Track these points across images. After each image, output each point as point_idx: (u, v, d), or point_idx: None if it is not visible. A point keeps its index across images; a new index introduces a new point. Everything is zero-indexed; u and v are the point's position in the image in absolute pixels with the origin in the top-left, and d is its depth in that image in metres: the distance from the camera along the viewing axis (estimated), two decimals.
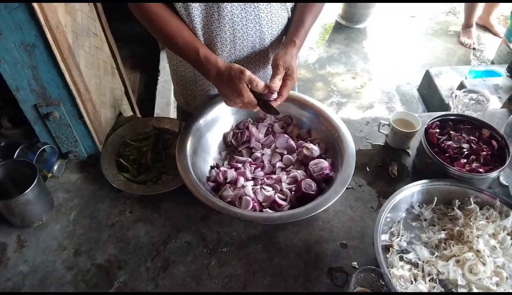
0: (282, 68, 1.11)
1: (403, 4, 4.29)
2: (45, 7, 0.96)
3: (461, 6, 4.21)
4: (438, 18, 4.22)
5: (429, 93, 3.10)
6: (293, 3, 1.28)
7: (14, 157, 1.17)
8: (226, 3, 1.13)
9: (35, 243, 1.13)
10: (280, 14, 1.23)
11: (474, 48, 3.79)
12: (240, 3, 1.15)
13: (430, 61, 3.64)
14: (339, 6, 3.97)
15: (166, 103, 2.88)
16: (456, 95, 1.44)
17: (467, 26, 3.84)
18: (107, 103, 1.38)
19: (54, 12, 0.99)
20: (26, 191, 1.07)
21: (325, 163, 1.18)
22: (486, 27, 4.00)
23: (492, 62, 3.38)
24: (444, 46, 3.84)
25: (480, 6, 3.75)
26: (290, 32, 1.23)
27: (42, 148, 1.18)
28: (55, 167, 1.25)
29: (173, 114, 2.84)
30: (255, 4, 1.16)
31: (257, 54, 1.29)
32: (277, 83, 1.10)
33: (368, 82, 3.42)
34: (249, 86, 1.09)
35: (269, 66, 1.35)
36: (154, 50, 3.40)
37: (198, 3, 1.12)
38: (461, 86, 2.61)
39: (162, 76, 3.13)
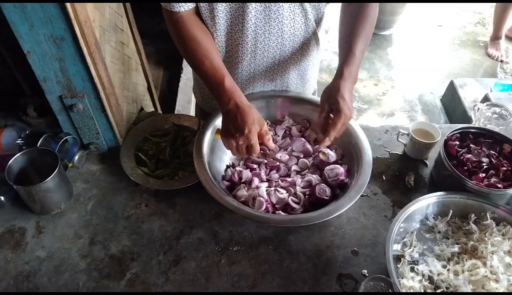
0: (326, 105, 1.08)
1: (431, 13, 4.23)
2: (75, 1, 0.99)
3: (490, 17, 4.13)
4: (466, 29, 4.14)
5: (452, 104, 3.05)
6: (320, 17, 1.26)
7: (38, 145, 1.21)
8: (251, 16, 1.14)
9: (52, 230, 1.16)
10: (303, 29, 1.23)
11: (501, 61, 3.71)
12: (265, 16, 1.15)
13: (455, 72, 3.58)
14: None
15: (187, 101, 2.91)
16: (478, 108, 1.42)
17: (495, 38, 3.75)
18: (130, 98, 1.42)
19: (83, 7, 1.02)
20: (47, 179, 1.10)
21: (340, 169, 1.18)
22: None
23: None
24: (471, 57, 3.77)
25: (510, 18, 3.66)
26: (341, 62, 1.14)
27: (64, 138, 1.21)
28: (76, 157, 1.28)
29: (193, 112, 2.87)
30: (279, 18, 1.17)
31: (277, 65, 1.30)
32: (332, 138, 1.09)
33: (390, 90, 3.39)
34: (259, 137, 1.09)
35: (288, 76, 1.35)
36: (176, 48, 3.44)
37: (224, 13, 1.14)
38: (486, 99, 2.56)
39: (184, 74, 3.16)
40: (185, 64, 3.28)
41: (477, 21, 4.25)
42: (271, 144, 1.13)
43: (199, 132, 1.23)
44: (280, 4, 1.14)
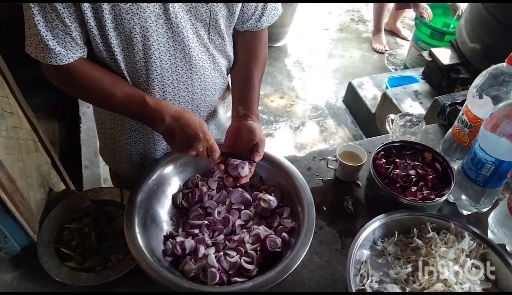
0: (263, 145, 1.12)
1: (316, 18, 4.46)
2: None
3: (368, 14, 4.48)
4: (350, 28, 4.44)
5: (354, 104, 3.24)
6: (228, 67, 1.25)
7: None
8: (156, 67, 1.06)
9: None
10: (215, 79, 1.20)
11: (386, 50, 4.03)
12: (171, 64, 1.08)
13: (349, 71, 3.82)
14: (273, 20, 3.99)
15: (94, 153, 2.68)
16: (392, 120, 1.50)
17: (377, 31, 4.09)
18: (35, 185, 1.24)
19: None
20: None
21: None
22: (394, 32, 4.28)
23: (405, 65, 3.63)
24: (360, 54, 4.05)
25: (386, 12, 4.01)
26: (245, 101, 1.18)
27: None
28: None
29: (102, 162, 2.66)
30: (188, 66, 1.10)
31: None
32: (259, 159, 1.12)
33: (296, 100, 3.49)
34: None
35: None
36: (70, 94, 3.16)
37: (124, 65, 1.04)
38: (385, 96, 2.75)
39: (84, 123, 2.91)
40: (83, 113, 3.02)
41: (358, 20, 4.58)
42: (216, 156, 1.09)
43: (126, 210, 1.11)
44: (187, 49, 1.07)
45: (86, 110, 3.01)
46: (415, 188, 1.24)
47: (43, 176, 1.34)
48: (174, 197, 1.25)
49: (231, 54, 1.23)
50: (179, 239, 1.13)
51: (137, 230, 1.07)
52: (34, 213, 1.17)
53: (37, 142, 1.37)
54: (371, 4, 3.98)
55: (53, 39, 0.93)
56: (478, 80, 1.23)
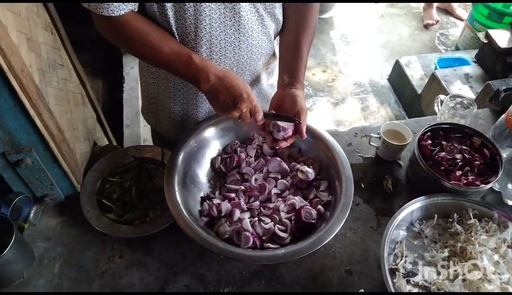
0: (304, 114, 1.10)
1: None
2: (7, 52, 0.85)
3: None
4: (401, 3, 4.24)
5: (400, 83, 3.12)
6: (275, 31, 1.22)
7: None
8: (205, 25, 1.05)
9: None
10: (262, 42, 1.18)
11: (437, 22, 3.83)
12: (220, 23, 1.07)
13: (397, 49, 3.67)
14: None
15: (135, 113, 2.74)
16: (441, 101, 1.43)
17: (428, 5, 3.89)
18: (81, 137, 1.28)
19: (17, 55, 0.88)
20: (4, 252, 0.96)
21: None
22: (448, 11, 4.06)
23: (457, 47, 3.45)
24: (409, 32, 3.88)
25: None
26: (291, 68, 1.16)
27: (15, 200, 1.07)
28: (31, 215, 1.14)
29: (143, 122, 2.71)
30: (236, 26, 1.09)
31: None
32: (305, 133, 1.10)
33: (339, 75, 3.41)
34: None
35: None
36: (116, 54, 3.22)
37: (174, 21, 1.04)
38: (433, 77, 2.63)
39: (127, 84, 2.97)
40: (126, 73, 3.08)
41: None
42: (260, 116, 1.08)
43: (167, 168, 1.13)
44: (237, 8, 1.06)
45: (130, 71, 3.07)
46: (460, 172, 1.19)
47: (88, 130, 1.38)
48: (213, 161, 1.26)
49: (280, 18, 1.20)
50: (215, 201, 1.15)
51: (176, 188, 1.09)
52: (79, 164, 1.21)
53: (84, 96, 1.41)
54: None
55: None
56: None
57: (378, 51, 3.65)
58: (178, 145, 1.19)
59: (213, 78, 1.02)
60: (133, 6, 0.99)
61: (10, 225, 1.01)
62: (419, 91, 2.80)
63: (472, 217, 1.11)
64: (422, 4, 4.00)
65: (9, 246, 0.97)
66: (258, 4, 1.10)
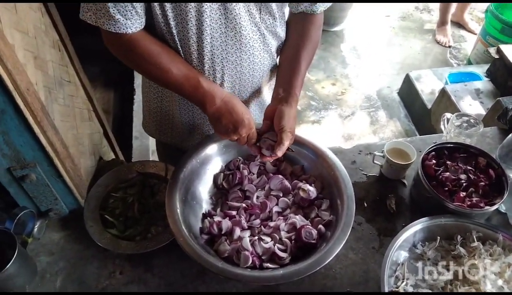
0: (290, 134, 1.08)
1: (377, 4, 4.28)
2: (13, 71, 0.87)
3: (435, 4, 4.24)
4: (413, 17, 4.23)
5: (410, 97, 3.10)
6: (277, 48, 1.24)
7: None
8: (206, 43, 1.07)
9: None
10: (263, 59, 1.19)
11: (449, 46, 3.81)
12: (222, 42, 1.09)
13: (408, 62, 3.65)
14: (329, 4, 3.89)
15: None
16: (448, 119, 1.42)
17: (442, 23, 3.85)
18: (86, 152, 1.30)
19: (23, 74, 0.91)
20: (6, 267, 0.98)
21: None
22: (460, 24, 4.03)
23: (469, 61, 3.41)
24: (421, 46, 3.86)
25: (454, 3, 3.76)
26: (288, 83, 1.14)
27: (20, 215, 1.08)
28: (35, 229, 1.16)
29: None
30: (238, 45, 1.11)
31: (236, 94, 1.25)
32: (283, 150, 1.09)
33: (348, 88, 3.40)
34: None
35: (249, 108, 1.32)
36: (127, 66, 3.26)
37: (177, 35, 1.06)
38: (443, 92, 2.61)
39: (137, 95, 3.00)
40: (137, 85, 3.12)
41: (423, 8, 4.35)
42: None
43: (169, 184, 1.14)
44: (238, 28, 1.07)
45: (140, 83, 3.10)
46: (464, 193, 1.18)
47: (94, 144, 1.40)
48: (216, 177, 1.27)
49: (282, 35, 1.21)
50: (216, 218, 1.15)
51: (177, 205, 1.10)
52: (83, 179, 1.23)
53: (91, 111, 1.44)
54: None
55: (115, 7, 0.94)
56: None
57: (388, 65, 3.64)
58: (181, 162, 1.20)
59: (218, 102, 1.07)
60: (140, 23, 1.01)
61: (14, 240, 1.03)
62: (429, 106, 2.77)
63: (475, 240, 1.09)
64: (435, 20, 3.97)
65: (11, 261, 0.99)
66: (260, 23, 1.11)
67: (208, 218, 1.17)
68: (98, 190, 1.26)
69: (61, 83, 1.18)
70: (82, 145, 1.27)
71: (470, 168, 1.23)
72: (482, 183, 1.19)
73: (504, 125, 1.51)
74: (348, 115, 3.18)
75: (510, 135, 1.31)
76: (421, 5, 4.38)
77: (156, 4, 0.98)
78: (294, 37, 1.22)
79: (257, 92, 1.31)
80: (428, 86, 2.93)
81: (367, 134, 3.02)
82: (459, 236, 1.12)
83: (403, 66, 3.59)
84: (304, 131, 3.05)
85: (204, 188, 1.24)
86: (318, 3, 1.16)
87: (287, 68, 1.18)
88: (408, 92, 3.11)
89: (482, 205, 1.14)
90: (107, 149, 1.57)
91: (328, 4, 1.19)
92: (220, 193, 1.26)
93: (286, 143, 1.08)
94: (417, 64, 3.61)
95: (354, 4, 3.86)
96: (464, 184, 1.20)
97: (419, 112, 2.94)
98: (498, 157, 1.34)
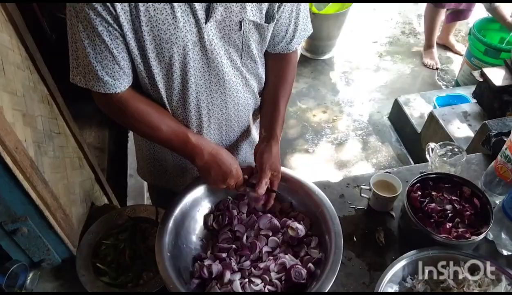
0: (269, 172, 1.15)
1: (365, 30, 4.38)
2: (1, 133, 0.90)
3: (420, 27, 4.34)
4: (400, 41, 4.32)
5: (400, 122, 3.15)
6: (259, 88, 1.29)
7: None
8: (192, 91, 1.12)
9: None
10: (247, 100, 1.24)
11: (437, 68, 3.88)
12: (206, 88, 1.13)
13: (397, 86, 3.71)
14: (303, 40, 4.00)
15: None
16: (432, 149, 1.45)
17: (428, 47, 3.93)
18: (78, 200, 1.32)
19: (11, 134, 0.94)
20: None
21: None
22: (446, 46, 4.12)
23: (457, 82, 3.48)
24: (409, 69, 3.93)
25: (439, 26, 3.85)
26: (268, 123, 1.23)
27: (12, 268, 1.10)
28: (28, 281, 1.17)
29: None
30: (222, 89, 1.15)
31: (224, 136, 1.29)
32: (263, 188, 1.14)
33: (339, 115, 3.45)
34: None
35: (240, 147, 1.37)
36: None
37: (163, 87, 1.10)
38: (431, 117, 2.65)
39: (131, 133, 3.05)
40: None
41: (409, 32, 4.45)
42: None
43: (158, 229, 1.16)
44: (221, 74, 1.12)
45: None
46: (450, 224, 1.19)
47: (85, 191, 1.42)
48: (206, 218, 1.28)
49: (263, 76, 1.27)
50: (206, 262, 1.16)
51: (167, 251, 1.11)
52: (75, 228, 1.25)
53: (82, 159, 1.46)
54: (423, 17, 3.83)
55: (102, 70, 0.99)
56: None
57: (378, 90, 3.70)
58: (170, 205, 1.21)
59: (206, 155, 1.13)
60: (128, 82, 1.06)
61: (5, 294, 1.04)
62: (419, 130, 2.81)
63: (463, 271, 1.11)
64: (422, 43, 4.06)
65: None
66: (242, 67, 1.16)
67: (198, 262, 1.18)
68: (90, 237, 1.28)
69: (50, 136, 1.21)
70: (73, 194, 1.29)
71: (455, 198, 1.25)
72: (468, 212, 1.21)
73: (488, 151, 1.54)
74: (340, 142, 3.21)
75: (492, 163, 1.34)
76: (407, 29, 4.48)
77: (139, 61, 1.03)
78: (271, 76, 1.28)
79: (246, 131, 1.36)
80: (417, 110, 2.98)
81: (359, 160, 3.05)
82: (448, 267, 1.13)
83: (392, 90, 3.65)
84: (296, 160, 3.08)
85: (194, 231, 1.25)
86: (293, 42, 1.22)
87: (268, 109, 1.27)
88: (398, 117, 3.16)
89: (467, 235, 1.15)
90: (99, 194, 1.59)
91: (302, 40, 1.25)
92: (211, 234, 1.28)
93: (264, 181, 1.14)
94: (406, 87, 3.67)
95: (342, 32, 3.95)
96: (450, 215, 1.22)
97: (410, 137, 2.98)
98: (483, 184, 1.36)
